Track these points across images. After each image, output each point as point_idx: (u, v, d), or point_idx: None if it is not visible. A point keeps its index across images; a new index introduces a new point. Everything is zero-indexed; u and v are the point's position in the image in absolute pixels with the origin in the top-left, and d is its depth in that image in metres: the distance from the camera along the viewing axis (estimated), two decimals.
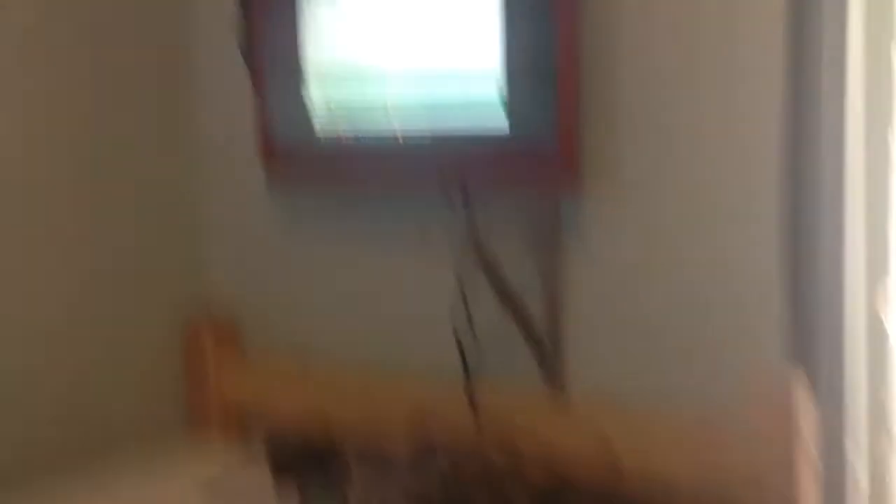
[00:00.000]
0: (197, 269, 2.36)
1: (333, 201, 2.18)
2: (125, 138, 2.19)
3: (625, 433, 1.75)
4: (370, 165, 2.00)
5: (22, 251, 2.05)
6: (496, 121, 1.80)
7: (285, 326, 2.29)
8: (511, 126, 1.79)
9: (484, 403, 1.89)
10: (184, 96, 2.30)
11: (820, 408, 1.56)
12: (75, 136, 2.11)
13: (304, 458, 1.93)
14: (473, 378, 1.89)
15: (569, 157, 1.75)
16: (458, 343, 1.94)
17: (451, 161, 1.88)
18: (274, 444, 1.92)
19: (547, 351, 1.86)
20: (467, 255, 1.92)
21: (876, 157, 1.59)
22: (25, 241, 2.05)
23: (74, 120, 2.12)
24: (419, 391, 1.99)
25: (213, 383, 2.28)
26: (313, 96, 2.03)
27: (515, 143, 1.80)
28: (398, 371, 2.07)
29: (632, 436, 1.75)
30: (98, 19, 2.14)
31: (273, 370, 2.27)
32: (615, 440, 1.75)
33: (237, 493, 1.86)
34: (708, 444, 1.66)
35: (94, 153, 2.15)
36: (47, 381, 2.09)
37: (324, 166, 2.07)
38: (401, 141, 1.93)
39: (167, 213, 2.30)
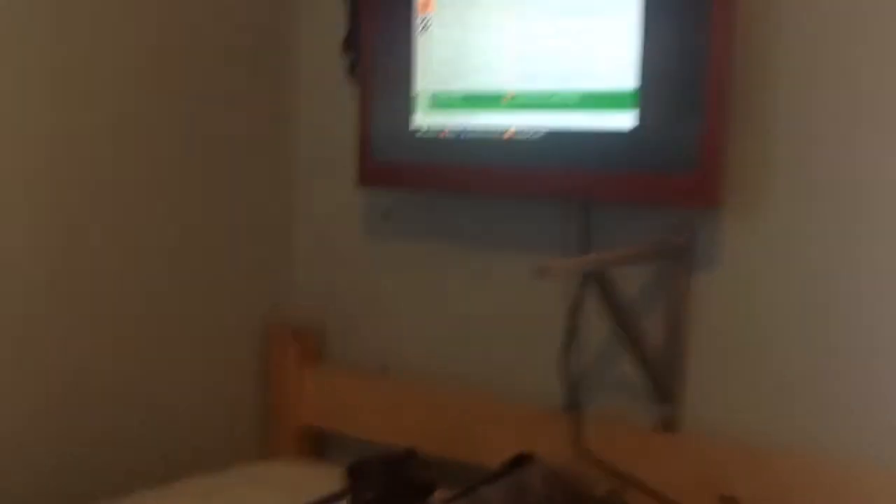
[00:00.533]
0: (284, 277, 2.25)
1: (432, 206, 2.02)
2: (222, 141, 2.11)
3: (747, 480, 1.55)
4: (474, 166, 1.82)
5: (107, 251, 1.96)
6: (624, 119, 1.61)
7: (373, 340, 2.15)
8: (641, 126, 1.60)
9: (588, 440, 1.71)
10: (283, 100, 2.22)
11: None
12: (172, 135, 2.04)
13: (386, 483, 1.74)
14: (579, 411, 1.75)
15: (710, 175, 1.55)
16: (566, 370, 1.76)
17: (571, 166, 1.69)
18: (355, 471, 1.75)
19: (663, 385, 1.68)
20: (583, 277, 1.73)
21: None
22: (113, 241, 1.96)
23: (173, 118, 2.03)
24: (518, 421, 1.84)
25: (293, 397, 2.17)
26: (419, 105, 1.87)
27: (648, 151, 1.60)
28: (498, 400, 1.90)
29: (758, 485, 1.54)
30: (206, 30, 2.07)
31: (355, 387, 2.12)
32: (735, 486, 1.54)
33: None
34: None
35: (189, 154, 2.07)
36: (119, 384, 1.98)
37: (421, 166, 1.90)
38: (513, 138, 1.74)
39: (257, 216, 2.20)
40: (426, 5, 1.85)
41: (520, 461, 1.64)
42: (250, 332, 2.19)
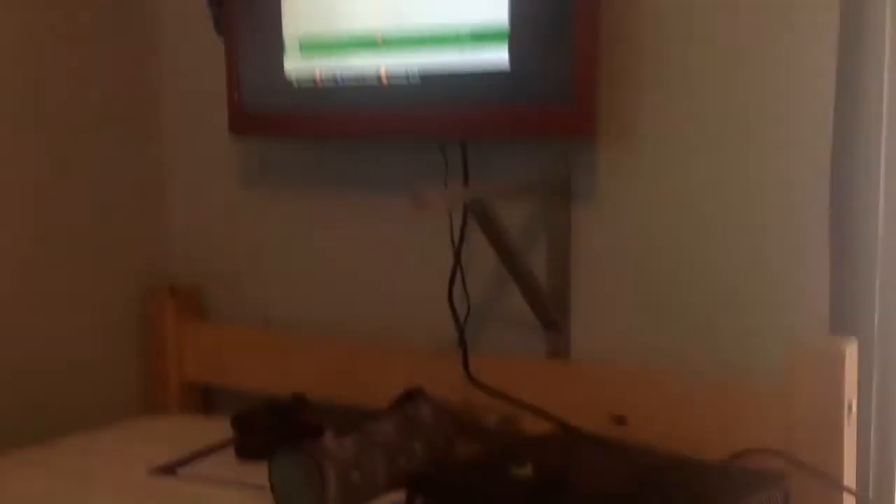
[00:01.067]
0: (159, 234, 2.19)
1: (309, 154, 1.98)
2: (87, 97, 2.04)
3: (637, 403, 1.58)
4: (351, 112, 1.79)
5: None
6: (499, 56, 1.60)
7: (255, 294, 2.11)
8: (515, 61, 1.59)
9: (478, 373, 1.71)
10: (147, 51, 2.15)
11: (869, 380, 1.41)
12: (37, 91, 1.97)
13: (272, 429, 1.71)
14: (470, 350, 1.74)
15: (584, 101, 1.55)
16: (453, 310, 1.76)
17: (447, 105, 1.68)
18: (241, 420, 1.71)
19: (550, 315, 1.69)
20: (463, 211, 1.73)
21: None
22: None
23: (37, 73, 1.96)
24: (408, 365, 1.82)
25: (172, 355, 2.11)
26: (290, 50, 1.82)
27: (522, 85, 1.60)
28: (385, 344, 1.88)
29: (647, 406, 1.57)
30: None
31: (239, 341, 2.07)
32: (624, 407, 1.58)
33: (199, 474, 1.65)
34: (734, 414, 1.49)
35: (54, 111, 1.99)
36: None
37: (297, 113, 1.85)
38: (386, 82, 1.72)
39: (127, 174, 2.13)
40: None
41: (409, 397, 1.63)
42: (127, 291, 2.13)
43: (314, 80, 1.81)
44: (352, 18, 1.75)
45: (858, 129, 1.44)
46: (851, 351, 1.38)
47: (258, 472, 1.51)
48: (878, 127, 1.44)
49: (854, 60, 1.43)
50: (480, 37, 1.62)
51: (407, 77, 1.70)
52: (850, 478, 1.40)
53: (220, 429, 1.77)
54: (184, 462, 1.71)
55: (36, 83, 1.97)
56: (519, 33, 1.59)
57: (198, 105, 2.10)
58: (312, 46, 1.81)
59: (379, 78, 1.73)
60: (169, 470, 1.68)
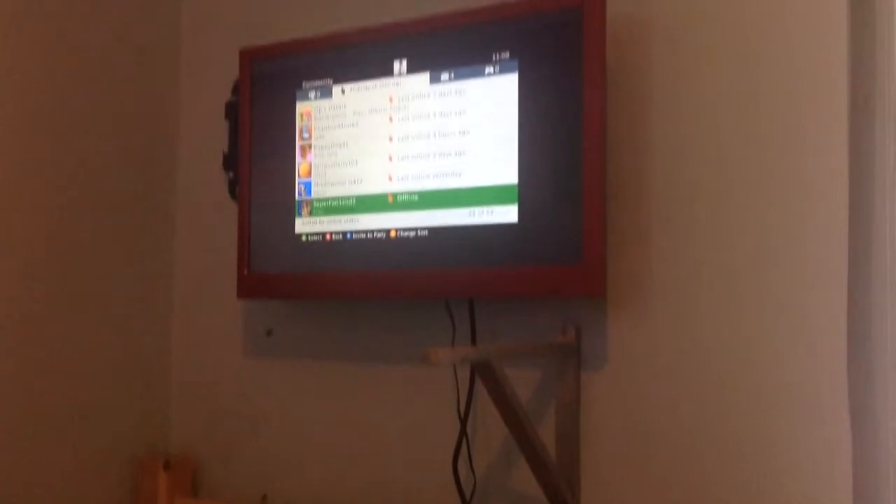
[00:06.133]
0: (158, 404, 2.13)
1: (315, 320, 1.95)
2: (98, 262, 2.04)
3: None
4: (358, 268, 1.77)
5: None
6: (508, 213, 1.60)
7: (253, 467, 2.03)
8: (524, 219, 1.59)
9: None
10: (164, 218, 2.17)
11: None
12: (49, 255, 1.97)
13: None
14: None
15: (593, 260, 1.53)
16: (458, 485, 1.67)
17: (456, 263, 1.65)
18: None
19: (562, 495, 1.60)
20: (470, 376, 1.69)
21: None
22: None
23: (48, 238, 1.97)
24: None
25: None
26: (301, 212, 1.84)
27: (530, 242, 1.58)
28: None
29: None
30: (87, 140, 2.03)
31: None
32: None
33: None
34: None
35: (66, 277, 1.99)
36: None
37: (304, 272, 1.84)
38: (396, 237, 1.71)
39: (132, 341, 2.10)
40: (305, 115, 1.85)
41: None
42: (120, 463, 2.05)
43: (323, 236, 1.80)
44: (365, 182, 1.77)
45: (875, 273, 1.40)
46: None
47: None
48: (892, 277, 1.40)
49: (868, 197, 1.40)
50: (491, 196, 1.62)
51: (416, 232, 1.69)
52: None
53: None
54: None
55: (49, 242, 1.96)
56: (528, 192, 1.59)
57: (209, 270, 2.09)
58: (324, 208, 1.81)
59: (388, 232, 1.72)
60: None
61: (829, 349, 1.44)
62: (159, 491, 2.00)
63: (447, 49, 1.68)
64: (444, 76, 1.68)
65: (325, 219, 1.81)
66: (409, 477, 1.81)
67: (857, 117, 1.43)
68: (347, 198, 1.79)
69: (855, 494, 1.39)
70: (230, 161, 2.05)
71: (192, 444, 2.09)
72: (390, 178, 1.73)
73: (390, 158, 1.74)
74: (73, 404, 1.98)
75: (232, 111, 2.04)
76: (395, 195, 1.72)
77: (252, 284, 1.91)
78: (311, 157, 1.84)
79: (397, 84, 1.73)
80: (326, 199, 1.81)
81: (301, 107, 1.85)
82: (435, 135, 1.69)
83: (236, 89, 2.00)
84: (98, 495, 2.01)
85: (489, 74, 1.64)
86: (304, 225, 1.83)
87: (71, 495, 1.96)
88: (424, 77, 1.70)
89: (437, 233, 1.67)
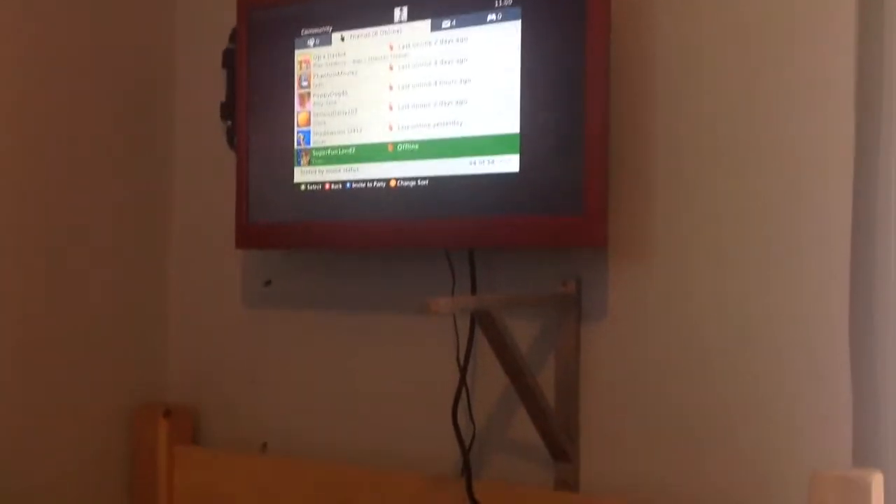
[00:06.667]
0: (156, 353, 2.13)
1: (314, 269, 1.94)
2: (93, 207, 2.03)
3: None
4: (357, 219, 1.76)
5: None
6: (509, 163, 1.58)
7: (253, 416, 2.03)
8: (525, 169, 1.57)
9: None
10: (158, 168, 2.15)
11: None
12: (39, 200, 1.96)
13: None
14: (475, 476, 1.66)
15: (595, 210, 1.52)
16: (458, 434, 1.67)
17: (455, 212, 1.64)
18: None
19: (559, 443, 1.60)
20: (470, 325, 1.68)
21: None
22: None
23: (41, 184, 1.95)
24: (410, 493, 1.73)
25: (163, 481, 2.02)
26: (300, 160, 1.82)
27: (531, 192, 1.57)
28: (386, 470, 1.79)
29: None
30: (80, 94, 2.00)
31: (233, 468, 1.98)
32: None
33: None
34: None
35: (59, 221, 1.98)
36: None
37: (303, 222, 1.82)
38: (396, 186, 1.69)
39: (128, 290, 2.09)
40: (304, 63, 1.82)
41: None
42: (119, 413, 2.06)
43: (322, 186, 1.79)
44: (365, 131, 1.75)
45: (878, 253, 1.40)
46: (878, 482, 1.28)
47: None
48: None
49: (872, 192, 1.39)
50: (492, 146, 1.61)
51: (416, 181, 1.68)
52: None
53: None
54: None
55: (45, 192, 1.96)
56: (530, 141, 1.57)
57: (207, 220, 2.08)
58: (323, 157, 1.79)
59: (388, 182, 1.71)
60: None
61: (831, 302, 1.43)
62: (159, 439, 2.02)
63: None
64: (446, 23, 1.66)
65: (324, 168, 1.79)
66: (408, 426, 1.81)
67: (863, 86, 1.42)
68: (347, 147, 1.77)
69: (855, 455, 1.40)
70: (228, 110, 2.03)
71: (191, 393, 2.10)
72: (390, 128, 1.72)
73: (390, 107, 1.72)
74: (72, 353, 1.99)
75: (229, 59, 2.02)
76: (395, 144, 1.71)
77: (251, 234, 1.90)
78: (310, 105, 1.82)
79: (398, 31, 1.71)
80: (326, 149, 1.80)
81: (300, 55, 1.83)
82: (436, 83, 1.67)
83: (234, 37, 1.98)
84: (97, 444, 2.03)
85: (491, 21, 1.61)
86: (304, 174, 1.82)
87: (70, 445, 1.98)
88: (426, 24, 1.68)
89: (437, 182, 1.66)
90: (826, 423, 1.43)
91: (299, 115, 1.83)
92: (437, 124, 1.66)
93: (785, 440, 1.47)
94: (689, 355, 1.55)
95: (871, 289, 1.42)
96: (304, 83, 1.83)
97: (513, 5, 1.59)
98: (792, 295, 1.47)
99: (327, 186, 1.79)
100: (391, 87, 1.72)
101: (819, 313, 1.44)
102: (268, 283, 2.00)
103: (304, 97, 1.83)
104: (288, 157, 1.83)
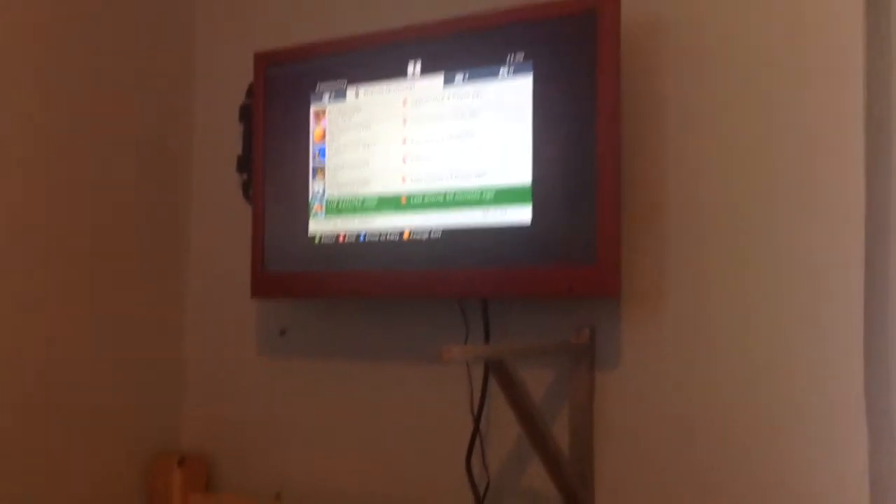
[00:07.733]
0: (172, 401, 2.15)
1: (328, 318, 1.96)
2: (113, 258, 2.06)
3: None
4: (371, 269, 1.78)
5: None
6: (521, 214, 1.61)
7: (267, 464, 2.04)
8: (538, 219, 1.60)
9: None
10: (174, 221, 2.18)
11: None
12: (61, 258, 1.98)
13: None
14: None
15: (607, 259, 1.54)
16: (472, 482, 1.69)
17: (468, 262, 1.67)
18: None
19: (573, 492, 1.61)
20: (484, 374, 1.69)
21: None
22: (5, 366, 1.87)
23: (62, 239, 1.98)
24: None
25: None
26: (314, 210, 1.85)
27: (544, 242, 1.59)
28: None
29: None
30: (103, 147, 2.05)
31: None
32: None
33: None
34: None
35: (80, 274, 2.00)
36: None
37: (317, 272, 1.85)
38: (409, 238, 1.72)
39: (147, 340, 2.11)
40: (319, 116, 1.86)
41: None
42: (134, 461, 2.06)
43: (337, 238, 1.82)
44: (378, 183, 1.78)
45: (893, 275, 1.41)
46: None
47: None
48: None
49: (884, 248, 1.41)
50: (504, 197, 1.63)
51: (430, 234, 1.70)
52: None
53: None
54: None
55: (67, 242, 1.98)
56: (542, 192, 1.60)
57: (222, 270, 2.11)
58: (337, 208, 1.82)
59: (401, 234, 1.73)
60: None
61: (844, 351, 1.44)
62: (173, 488, 2.02)
63: (461, 51, 1.69)
64: (459, 78, 1.70)
65: (338, 219, 1.82)
66: (422, 475, 1.82)
67: (874, 123, 1.44)
68: (360, 198, 1.80)
69: (872, 499, 1.40)
70: (244, 163, 2.07)
71: (206, 442, 2.10)
72: (404, 180, 1.75)
73: (404, 160, 1.75)
74: (89, 402, 1.99)
75: (246, 114, 2.06)
76: (408, 196, 1.74)
77: (266, 284, 1.92)
78: (325, 158, 1.85)
79: (410, 87, 1.75)
80: (339, 200, 1.83)
81: (315, 108, 1.86)
82: (448, 136, 1.70)
83: (250, 92, 2.02)
84: (112, 493, 2.03)
85: (503, 76, 1.65)
86: (318, 225, 1.85)
87: (85, 493, 1.98)
88: (438, 79, 1.72)
89: (450, 234, 1.68)
90: (841, 469, 1.43)
91: (314, 167, 1.87)
92: (450, 176, 1.69)
93: (800, 490, 1.47)
94: (703, 405, 1.56)
95: (890, 343, 1.42)
96: (319, 136, 1.86)
97: (525, 60, 1.63)
98: (807, 346, 1.48)
99: (341, 238, 1.82)
100: (404, 141, 1.75)
101: (837, 362, 1.45)
102: (283, 332, 2.02)
103: (319, 151, 1.86)
104: (302, 209, 1.86)
